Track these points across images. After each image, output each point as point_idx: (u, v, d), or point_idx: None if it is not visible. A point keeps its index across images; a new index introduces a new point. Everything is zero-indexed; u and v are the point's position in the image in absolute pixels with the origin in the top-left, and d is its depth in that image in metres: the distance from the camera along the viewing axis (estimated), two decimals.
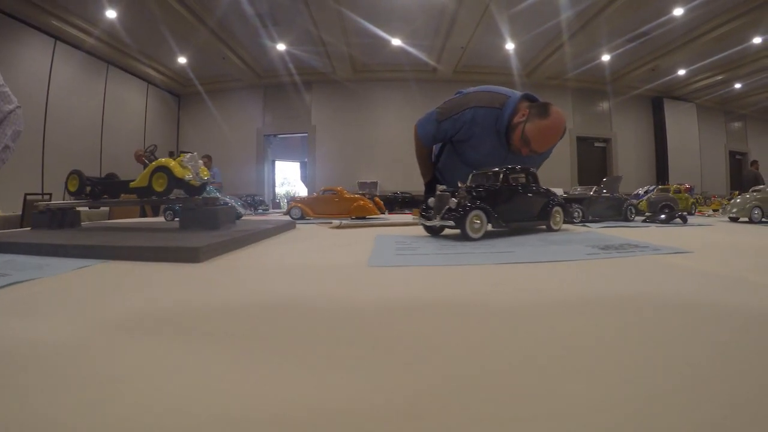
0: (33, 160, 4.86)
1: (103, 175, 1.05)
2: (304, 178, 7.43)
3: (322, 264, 0.50)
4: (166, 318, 0.28)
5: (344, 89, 6.73)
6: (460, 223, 0.63)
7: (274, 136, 7.25)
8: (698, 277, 0.39)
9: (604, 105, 7.25)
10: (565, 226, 0.96)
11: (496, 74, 6.48)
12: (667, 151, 7.30)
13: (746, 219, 1.08)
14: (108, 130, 5.85)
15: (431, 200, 0.71)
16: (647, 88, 7.00)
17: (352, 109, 6.80)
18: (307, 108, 6.94)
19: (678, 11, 4.86)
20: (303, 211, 1.20)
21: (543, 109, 1.43)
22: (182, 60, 6.08)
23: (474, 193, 0.68)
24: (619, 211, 1.11)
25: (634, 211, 1.11)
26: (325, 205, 1.21)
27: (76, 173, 0.89)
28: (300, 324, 0.27)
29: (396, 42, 5.60)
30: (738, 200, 1.17)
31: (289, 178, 9.13)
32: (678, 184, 1.64)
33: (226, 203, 0.93)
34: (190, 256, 0.49)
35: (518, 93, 1.54)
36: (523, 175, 0.78)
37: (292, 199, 1.27)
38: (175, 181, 0.76)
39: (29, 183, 4.45)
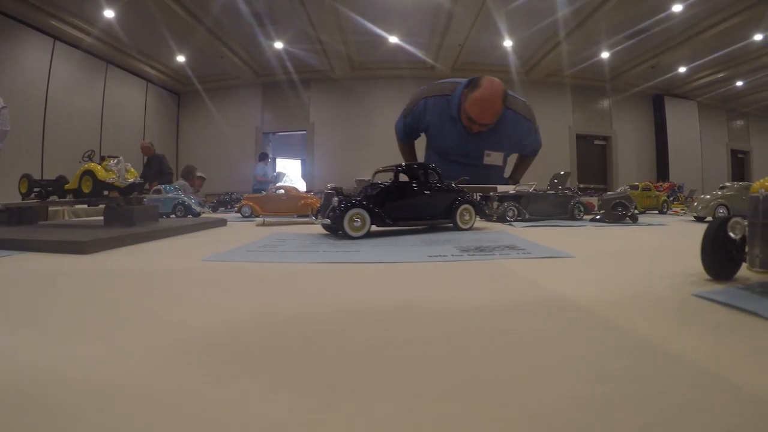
0: (32, 159, 4.90)
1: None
2: (305, 176, 7.45)
3: (174, 257, 0.57)
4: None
5: (342, 87, 6.74)
6: (337, 221, 0.64)
7: (273, 134, 7.28)
8: (522, 285, 0.38)
9: (604, 103, 7.20)
10: (487, 224, 0.96)
11: (495, 72, 6.45)
12: (668, 150, 7.24)
13: (711, 218, 1.04)
14: (107, 128, 5.89)
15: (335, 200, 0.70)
16: (648, 86, 6.94)
17: (350, 107, 6.81)
18: (305, 106, 6.95)
19: (677, 7, 4.81)
20: (253, 208, 1.21)
21: (475, 83, 1.49)
22: (181, 58, 6.11)
23: (368, 192, 0.69)
24: (565, 209, 1.08)
25: (582, 209, 1.07)
26: (273, 203, 1.22)
27: (25, 176, 0.97)
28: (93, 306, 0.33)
29: (393, 40, 5.60)
30: (705, 197, 1.15)
31: (290, 176, 9.16)
32: (657, 183, 1.63)
33: (173, 199, 0.95)
34: (79, 248, 0.57)
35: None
36: (422, 172, 0.77)
37: (245, 198, 1.28)
38: (100, 184, 0.81)
39: None
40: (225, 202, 1.95)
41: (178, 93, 7.22)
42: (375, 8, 4.84)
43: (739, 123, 8.07)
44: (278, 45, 5.71)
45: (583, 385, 0.18)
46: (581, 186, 6.51)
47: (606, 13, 4.77)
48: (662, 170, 7.23)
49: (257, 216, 1.23)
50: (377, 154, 6.85)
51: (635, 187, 1.52)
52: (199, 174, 4.91)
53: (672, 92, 7.30)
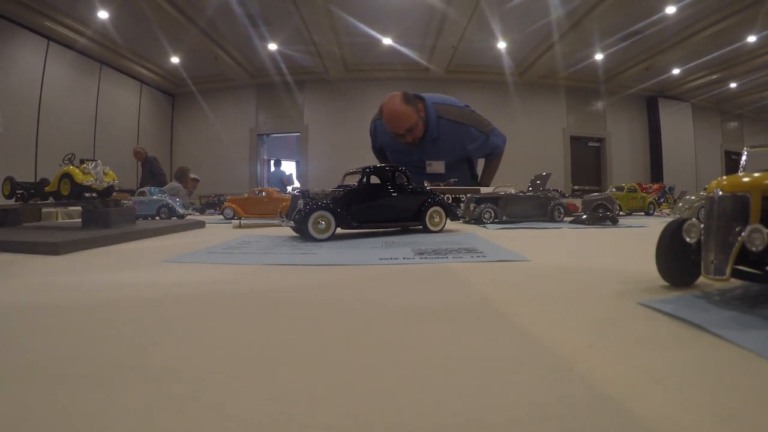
0: (26, 161, 4.89)
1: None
2: (299, 178, 7.45)
3: (137, 258, 0.59)
4: None
5: (337, 89, 6.74)
6: (301, 224, 0.64)
7: (267, 135, 7.27)
8: (454, 289, 0.38)
9: (598, 104, 7.22)
10: (462, 226, 0.96)
11: (489, 73, 6.48)
12: (662, 151, 7.26)
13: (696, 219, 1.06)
14: (101, 130, 5.88)
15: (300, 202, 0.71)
16: (641, 87, 6.97)
17: (344, 109, 6.80)
18: (299, 108, 6.95)
19: (670, 9, 4.83)
20: (235, 210, 1.21)
21: (380, 109, 1.71)
22: (175, 60, 6.10)
23: (335, 194, 0.69)
24: (545, 210, 1.07)
25: (563, 210, 1.06)
26: (255, 206, 1.23)
27: (8, 179, 0.98)
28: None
29: (387, 41, 5.60)
30: (690, 198, 1.15)
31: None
32: (648, 184, 1.63)
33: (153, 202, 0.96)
34: (52, 249, 0.59)
35: None
36: (389, 175, 0.77)
37: (227, 200, 1.28)
38: (78, 186, 0.83)
39: None
40: (213, 204, 1.95)
41: (172, 94, 7.21)
42: (368, 10, 4.85)
43: (733, 125, 8.10)
44: (272, 46, 5.72)
45: (440, 402, 0.16)
46: (575, 188, 6.53)
47: (600, 14, 4.78)
48: (656, 172, 7.24)
49: (239, 218, 1.23)
50: (371, 156, 6.86)
51: (621, 189, 1.52)
52: (192, 176, 4.90)
53: (666, 94, 7.32)
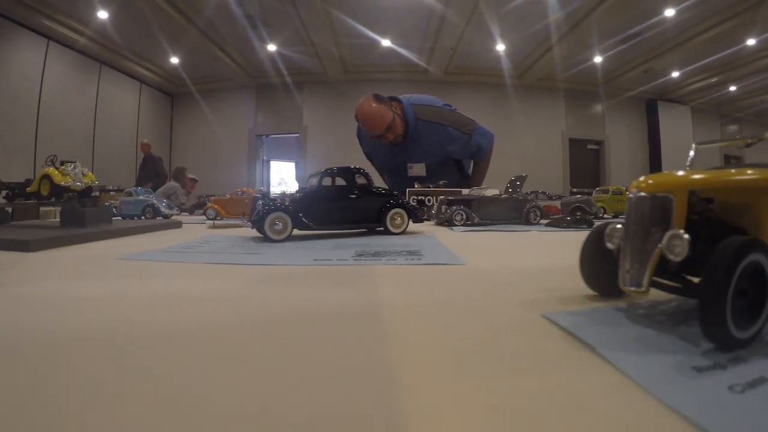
0: (25, 160, 4.90)
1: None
2: (298, 179, 7.46)
3: (101, 252, 0.62)
4: None
5: (336, 90, 6.75)
6: (258, 225, 0.65)
7: (266, 136, 7.29)
8: (362, 292, 0.38)
9: (597, 107, 7.22)
10: (428, 228, 0.96)
11: (488, 75, 6.48)
12: (661, 154, 7.26)
13: None
14: (101, 129, 5.89)
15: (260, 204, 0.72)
16: (641, 90, 6.96)
17: (343, 110, 6.80)
18: (298, 109, 6.96)
19: (669, 12, 4.83)
20: (217, 211, 1.21)
21: (355, 114, 1.74)
22: (174, 60, 6.12)
23: (296, 196, 0.70)
24: (520, 213, 1.06)
25: (539, 213, 1.05)
26: (235, 206, 1.23)
27: None
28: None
29: (386, 43, 5.61)
30: None
31: (286, 179, 9.15)
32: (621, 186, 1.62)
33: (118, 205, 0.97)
34: (24, 247, 0.62)
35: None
36: (349, 176, 0.77)
37: (210, 201, 1.28)
38: (56, 187, 0.85)
39: None
40: (202, 204, 1.95)
41: (171, 94, 7.23)
42: (367, 11, 4.86)
43: (733, 128, 8.09)
44: (271, 47, 5.73)
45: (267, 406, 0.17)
46: (574, 190, 6.52)
47: (598, 17, 4.78)
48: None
49: (221, 218, 1.23)
50: None
51: (606, 191, 1.51)
52: (190, 176, 4.91)
53: (665, 97, 7.32)
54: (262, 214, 0.65)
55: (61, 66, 5.38)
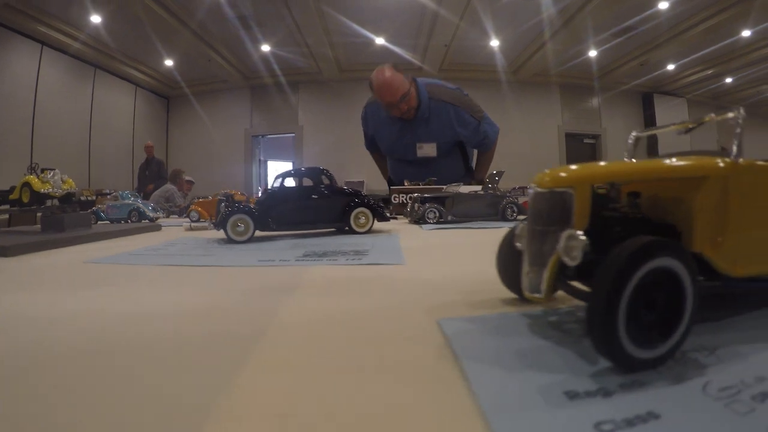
0: (21, 165, 4.89)
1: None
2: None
3: (71, 256, 0.63)
4: None
5: (331, 90, 6.75)
6: (220, 226, 0.66)
7: (262, 136, 7.29)
8: (265, 294, 0.39)
9: (593, 101, 7.21)
10: (398, 227, 0.96)
11: (482, 72, 6.47)
12: (658, 147, 7.24)
13: None
14: (96, 133, 5.90)
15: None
16: (636, 84, 6.95)
17: (339, 110, 6.81)
18: (294, 108, 6.96)
19: (663, 4, 4.82)
20: (200, 213, 1.22)
21: (370, 81, 1.72)
22: (169, 62, 6.11)
23: (261, 197, 0.71)
24: (497, 209, 1.05)
25: (516, 209, 1.04)
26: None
27: None
28: None
29: (380, 41, 5.61)
30: None
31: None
32: None
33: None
34: (2, 252, 0.63)
35: None
36: (313, 177, 0.78)
37: (194, 203, 1.29)
38: (36, 194, 0.86)
39: None
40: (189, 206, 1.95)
41: (167, 97, 7.23)
42: (360, 10, 4.85)
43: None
44: (265, 48, 5.72)
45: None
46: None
47: (592, 11, 4.77)
48: None
49: (205, 221, 1.23)
50: (367, 157, 6.86)
51: None
52: (187, 178, 4.92)
53: (661, 90, 7.31)
54: (224, 216, 0.66)
55: (56, 71, 5.39)
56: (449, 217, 1.01)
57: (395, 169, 2.03)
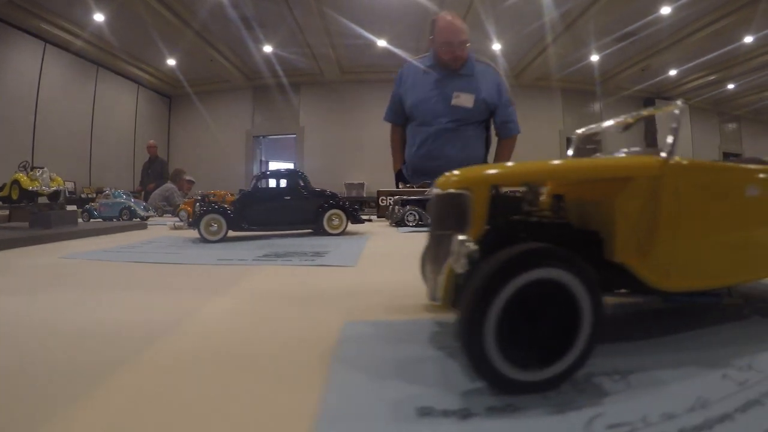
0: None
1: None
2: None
3: (47, 252, 0.64)
4: None
5: (332, 91, 6.76)
6: (194, 226, 0.66)
7: (264, 137, 7.30)
8: (196, 294, 0.39)
9: (595, 106, 7.21)
10: (374, 229, 0.96)
11: None
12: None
13: None
14: (98, 131, 5.92)
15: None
16: (638, 89, 6.95)
17: (340, 111, 6.82)
18: (295, 109, 6.98)
19: (665, 10, 4.82)
20: (188, 213, 1.22)
21: (433, 22, 1.80)
22: (171, 62, 6.14)
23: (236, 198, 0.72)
24: None
25: None
26: None
27: None
28: None
29: (382, 43, 5.62)
30: None
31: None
32: None
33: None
34: None
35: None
36: (288, 179, 0.78)
37: (183, 203, 1.29)
38: (25, 191, 0.87)
39: None
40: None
41: (169, 96, 7.25)
42: (362, 12, 4.86)
43: (731, 126, 8.06)
44: (267, 48, 5.74)
45: None
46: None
47: (594, 15, 4.78)
48: None
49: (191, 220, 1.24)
50: (367, 158, 6.89)
51: None
52: (188, 177, 4.92)
53: (663, 95, 7.30)
54: (198, 216, 0.66)
55: (58, 69, 5.41)
56: (428, 220, 0.99)
57: (414, 139, 1.94)
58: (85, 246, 0.70)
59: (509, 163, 0.24)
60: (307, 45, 5.56)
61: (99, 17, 4.90)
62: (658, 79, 6.65)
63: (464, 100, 1.83)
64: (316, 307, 0.34)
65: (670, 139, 0.24)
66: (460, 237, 0.20)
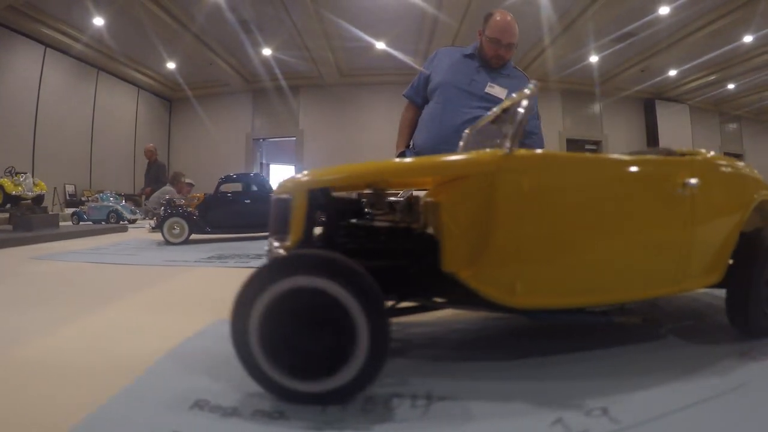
0: (23, 166, 4.93)
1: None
2: None
3: (23, 253, 0.61)
4: None
5: (331, 94, 6.78)
6: (158, 228, 0.67)
7: (264, 140, 7.32)
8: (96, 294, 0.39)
9: (595, 107, 7.20)
10: None
11: None
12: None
13: None
14: (98, 134, 5.95)
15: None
16: (638, 90, 6.94)
17: (339, 114, 6.84)
18: (294, 112, 7.00)
19: (664, 10, 4.81)
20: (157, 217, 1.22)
21: (489, 15, 1.69)
22: (171, 65, 6.17)
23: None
24: None
25: None
26: None
27: None
28: None
29: (380, 46, 5.63)
30: None
31: None
32: None
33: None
34: None
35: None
36: (250, 183, 0.78)
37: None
38: (8, 196, 0.87)
39: None
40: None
41: (169, 99, 7.28)
42: (360, 15, 4.87)
43: (732, 126, 8.03)
44: (266, 52, 5.76)
45: None
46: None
47: (592, 16, 4.77)
48: None
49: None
50: (367, 159, 6.84)
51: None
52: (187, 180, 4.92)
53: (663, 96, 7.28)
54: (162, 219, 0.67)
55: (59, 72, 5.44)
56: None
57: (431, 122, 1.93)
58: (62, 247, 0.71)
59: (344, 165, 0.23)
60: (306, 48, 5.58)
61: (99, 21, 4.93)
62: (657, 79, 6.63)
63: (498, 91, 1.85)
64: (196, 302, 0.34)
65: (510, 130, 0.22)
66: (274, 242, 0.19)
